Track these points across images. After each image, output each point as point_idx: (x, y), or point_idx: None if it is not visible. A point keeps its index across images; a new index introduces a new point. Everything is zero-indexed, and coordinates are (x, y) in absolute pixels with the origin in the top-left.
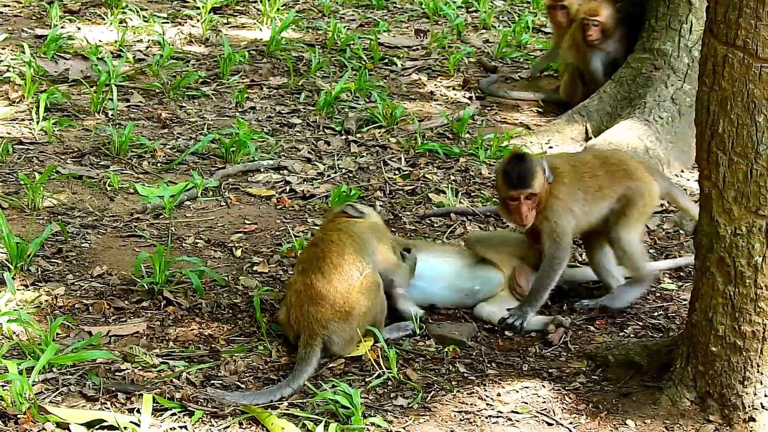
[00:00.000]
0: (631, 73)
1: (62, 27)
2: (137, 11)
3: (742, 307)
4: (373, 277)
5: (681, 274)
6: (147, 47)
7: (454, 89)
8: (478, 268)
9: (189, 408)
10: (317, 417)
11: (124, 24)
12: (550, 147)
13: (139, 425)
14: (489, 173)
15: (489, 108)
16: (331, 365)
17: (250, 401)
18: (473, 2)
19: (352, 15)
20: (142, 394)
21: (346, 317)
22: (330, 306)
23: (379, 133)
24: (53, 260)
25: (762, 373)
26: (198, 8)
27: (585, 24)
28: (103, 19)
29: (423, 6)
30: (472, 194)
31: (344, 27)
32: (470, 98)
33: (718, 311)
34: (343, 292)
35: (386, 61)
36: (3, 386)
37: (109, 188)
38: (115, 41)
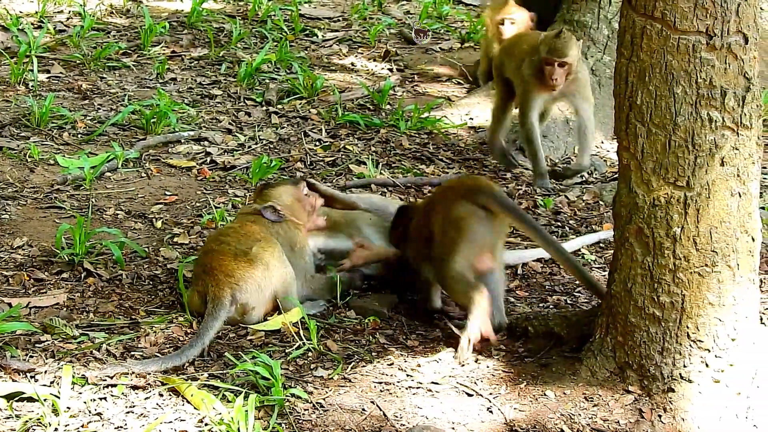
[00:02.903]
0: None
1: None
2: None
3: (660, 277)
4: (273, 241)
5: (600, 245)
6: (68, 18)
7: (374, 60)
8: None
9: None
10: (237, 388)
11: None
12: (471, 119)
13: (58, 397)
14: (409, 144)
15: (409, 80)
16: (250, 337)
17: (159, 366)
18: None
19: None
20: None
21: (251, 263)
22: (233, 257)
23: (300, 104)
24: None
25: (680, 344)
26: None
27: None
28: None
29: None
30: (393, 165)
31: None
32: (390, 70)
33: (637, 282)
34: (245, 246)
35: (307, 32)
36: None
37: (29, 159)
38: (36, 12)
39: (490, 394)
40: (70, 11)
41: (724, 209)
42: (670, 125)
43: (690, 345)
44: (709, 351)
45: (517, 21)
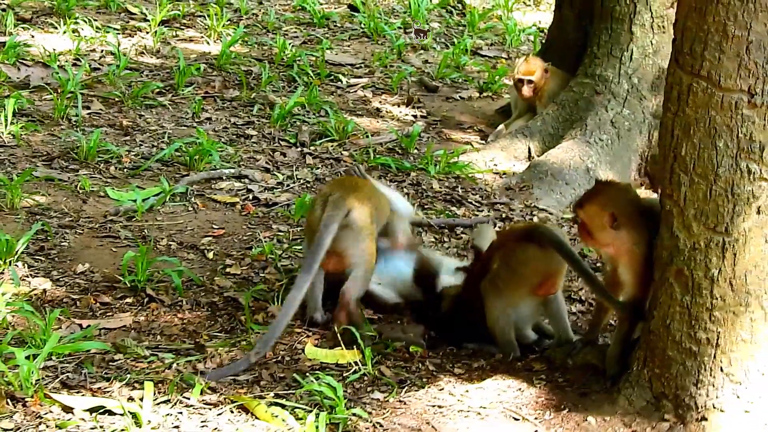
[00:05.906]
0: (574, 96)
1: (17, 35)
2: (89, 21)
3: (698, 315)
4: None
5: None
6: (100, 57)
7: (398, 106)
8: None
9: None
10: (304, 407)
11: (77, 33)
12: (495, 164)
13: (140, 409)
14: (440, 187)
15: (433, 126)
16: (308, 363)
17: (258, 353)
18: (412, 24)
19: (295, 32)
20: (139, 382)
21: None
22: (368, 196)
23: (332, 146)
24: (37, 257)
25: (714, 377)
26: (146, 20)
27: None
28: (56, 27)
29: (363, 26)
30: (425, 207)
31: (289, 43)
32: (415, 116)
33: (676, 319)
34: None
35: (332, 77)
36: (9, 371)
37: (81, 191)
38: (70, 50)
39: (536, 418)
40: (102, 50)
41: (759, 254)
42: (711, 175)
43: (723, 378)
44: (741, 384)
45: (535, 79)
